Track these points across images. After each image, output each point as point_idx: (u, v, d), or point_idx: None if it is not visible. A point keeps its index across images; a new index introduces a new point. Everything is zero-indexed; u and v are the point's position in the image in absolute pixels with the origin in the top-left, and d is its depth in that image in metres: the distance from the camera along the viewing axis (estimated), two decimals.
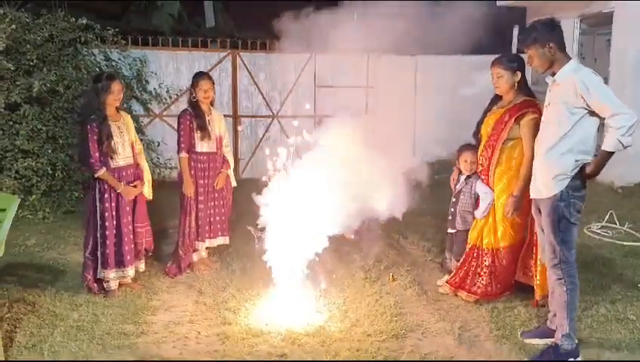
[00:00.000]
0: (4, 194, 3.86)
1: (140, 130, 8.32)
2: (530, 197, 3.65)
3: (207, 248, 5.08)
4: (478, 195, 4.32)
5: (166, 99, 8.71)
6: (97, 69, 7.92)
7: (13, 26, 6.90)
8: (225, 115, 8.89)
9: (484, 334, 3.76)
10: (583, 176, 3.32)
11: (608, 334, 3.72)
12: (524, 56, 3.68)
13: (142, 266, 4.62)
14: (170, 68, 8.76)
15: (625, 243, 5.64)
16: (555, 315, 3.54)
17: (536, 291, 4.05)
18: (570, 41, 8.64)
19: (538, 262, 3.98)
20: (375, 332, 3.72)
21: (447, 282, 4.42)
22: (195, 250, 4.99)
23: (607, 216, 6.20)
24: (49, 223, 6.42)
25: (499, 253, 4.20)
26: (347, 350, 3.47)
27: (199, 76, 4.95)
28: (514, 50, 9.99)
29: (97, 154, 4.24)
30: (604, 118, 3.26)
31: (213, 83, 4.96)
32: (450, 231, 4.67)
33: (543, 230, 3.57)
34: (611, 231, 6.02)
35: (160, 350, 3.51)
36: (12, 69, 6.80)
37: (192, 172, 4.85)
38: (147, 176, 4.63)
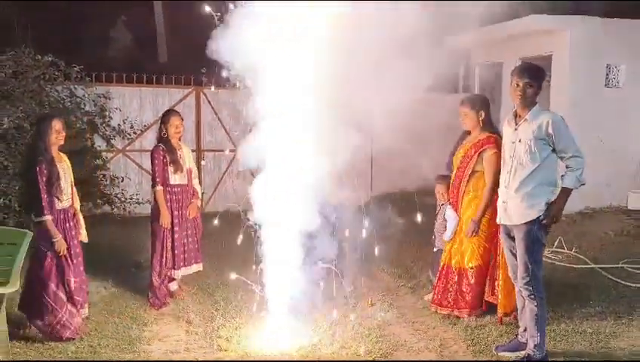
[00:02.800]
0: (15, 229, 3.91)
1: (103, 166, 8.39)
2: (500, 223, 4.05)
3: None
4: (446, 218, 4.78)
5: (130, 135, 8.79)
6: (61, 105, 7.99)
7: None
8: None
9: (461, 350, 4.10)
10: (550, 212, 3.74)
11: (570, 346, 4.14)
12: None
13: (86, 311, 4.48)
14: (135, 104, 8.89)
15: (575, 266, 6.19)
16: (525, 330, 3.93)
17: (499, 309, 4.50)
18: None
19: (501, 283, 4.44)
20: (364, 352, 4.00)
21: (431, 303, 4.82)
22: (172, 279, 5.18)
23: (557, 242, 6.76)
24: None
25: (466, 272, 4.62)
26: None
27: (170, 113, 5.26)
28: (460, 89, 10.71)
29: (46, 197, 4.18)
30: (561, 157, 3.74)
31: (182, 119, 5.28)
32: (434, 249, 5.19)
33: (512, 252, 3.97)
34: (561, 255, 6.57)
35: None
36: None
37: (168, 204, 5.06)
38: (81, 221, 4.62)
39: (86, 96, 8.30)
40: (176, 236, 5.14)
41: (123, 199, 8.22)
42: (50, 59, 7.73)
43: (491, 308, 4.64)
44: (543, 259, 6.26)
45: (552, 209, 3.76)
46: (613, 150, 8.37)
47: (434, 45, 10.74)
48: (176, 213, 5.14)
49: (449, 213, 4.80)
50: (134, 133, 8.80)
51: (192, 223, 5.30)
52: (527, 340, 3.90)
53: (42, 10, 11.86)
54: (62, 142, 4.40)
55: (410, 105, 9.30)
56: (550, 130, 3.69)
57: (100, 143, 8.52)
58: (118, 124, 8.66)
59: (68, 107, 8.03)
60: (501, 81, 9.56)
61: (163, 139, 5.15)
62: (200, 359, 3.92)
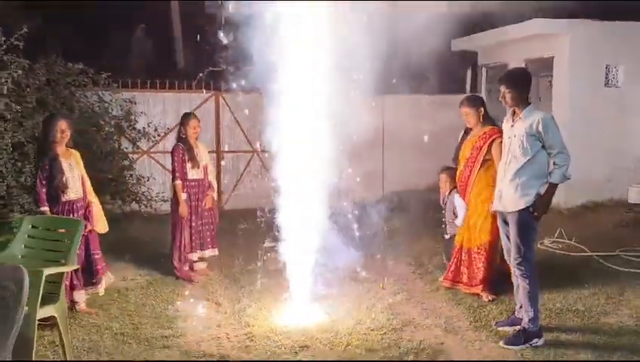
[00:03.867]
0: (71, 217, 4.43)
1: (129, 167, 8.93)
2: (496, 210, 4.49)
3: (200, 258, 5.95)
4: (455, 207, 5.28)
5: (154, 137, 9.32)
6: (90, 110, 8.54)
7: (20, 72, 7.47)
8: (209, 151, 9.65)
9: (464, 325, 4.56)
10: (538, 203, 4.16)
11: (563, 322, 4.58)
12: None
13: (102, 290, 5.03)
14: (158, 108, 9.41)
15: (573, 253, 6.62)
16: (520, 307, 4.37)
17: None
18: None
19: None
20: (377, 327, 4.47)
21: (443, 278, 5.38)
22: (191, 262, 5.88)
23: (557, 233, 7.18)
24: None
25: (478, 249, 5.15)
26: (357, 340, 4.21)
27: (188, 116, 5.97)
28: (468, 90, 11.15)
29: (45, 191, 4.62)
30: (549, 153, 4.19)
31: (199, 121, 5.98)
32: (446, 237, 5.75)
33: (507, 236, 4.42)
34: (561, 244, 7.00)
35: (201, 347, 4.15)
36: (19, 110, 7.32)
37: (186, 196, 5.70)
38: (99, 212, 5.12)
39: (113, 101, 8.83)
40: (193, 224, 5.82)
41: (149, 197, 8.74)
42: (80, 67, 8.29)
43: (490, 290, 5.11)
44: (544, 247, 6.80)
45: (541, 201, 4.18)
46: (613, 147, 8.78)
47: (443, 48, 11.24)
48: (193, 203, 5.83)
49: (458, 201, 5.33)
50: (158, 135, 9.32)
51: (208, 213, 5.99)
52: (523, 315, 4.35)
53: (68, 21, 12.46)
54: (67, 140, 4.85)
55: (421, 105, 9.80)
56: (540, 128, 4.12)
57: (126, 145, 9.05)
58: (143, 127, 9.17)
59: (97, 112, 8.58)
60: None
61: (182, 139, 5.85)
62: (230, 334, 4.40)
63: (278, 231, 5.14)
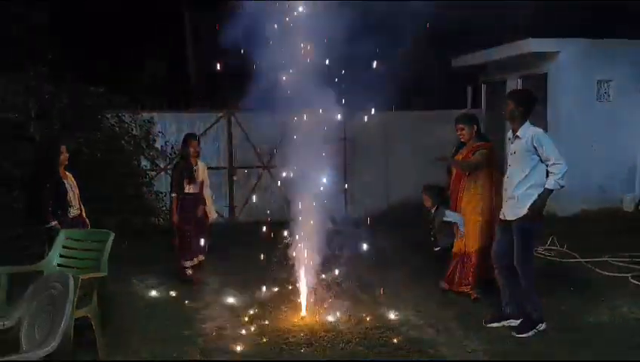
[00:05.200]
0: (101, 230, 4.96)
1: (148, 183, 9.49)
2: (503, 218, 4.90)
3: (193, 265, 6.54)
4: (450, 220, 5.75)
5: (171, 155, 9.88)
6: (111, 131, 9.14)
7: (47, 96, 8.09)
8: (221, 167, 10.21)
9: (453, 325, 5.01)
10: (532, 206, 4.65)
11: (546, 319, 5.01)
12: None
13: None
14: (174, 127, 9.96)
15: (564, 260, 7.05)
16: (506, 304, 4.86)
17: None
18: None
19: None
20: (375, 326, 4.95)
21: (445, 281, 5.85)
22: (190, 266, 6.48)
23: (550, 241, 7.61)
24: None
25: (470, 256, 5.61)
26: (357, 338, 4.69)
27: (190, 137, 6.65)
28: (469, 104, 11.64)
29: (51, 209, 5.13)
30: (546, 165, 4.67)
31: (199, 142, 6.66)
32: (435, 249, 6.33)
33: (503, 243, 4.86)
34: (553, 251, 7.42)
35: (218, 344, 4.65)
36: (47, 131, 7.93)
37: (180, 207, 6.39)
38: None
39: (132, 122, 9.41)
40: (188, 233, 6.46)
41: (167, 212, 9.28)
42: (101, 90, 8.90)
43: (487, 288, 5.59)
44: (537, 254, 7.22)
45: (533, 204, 4.66)
46: (605, 157, 9.20)
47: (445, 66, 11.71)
48: (189, 214, 6.46)
49: (453, 216, 5.78)
50: (174, 153, 9.88)
51: (200, 223, 6.55)
52: (510, 311, 4.84)
53: (86, 44, 13.13)
54: (66, 163, 5.42)
55: (425, 120, 10.28)
56: (535, 143, 4.64)
57: (145, 163, 9.63)
58: (161, 146, 9.76)
59: (118, 132, 9.17)
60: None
61: (184, 157, 6.52)
62: (242, 333, 4.90)
63: (286, 239, 5.66)
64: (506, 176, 4.91)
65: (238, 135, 10.33)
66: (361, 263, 6.85)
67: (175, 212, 6.41)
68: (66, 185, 5.35)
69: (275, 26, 5.39)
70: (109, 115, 9.17)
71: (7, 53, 8.88)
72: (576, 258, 7.07)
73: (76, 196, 5.48)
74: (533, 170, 4.68)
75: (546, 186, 4.66)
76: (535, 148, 4.64)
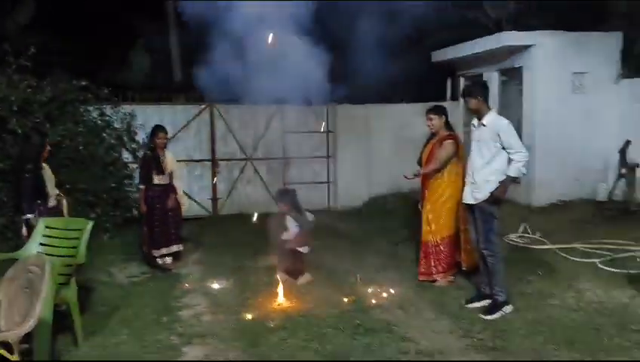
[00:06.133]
0: (81, 218, 5.07)
1: (130, 176, 9.56)
2: (465, 203, 5.17)
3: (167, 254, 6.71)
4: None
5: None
6: (93, 123, 9.19)
7: (29, 90, 8.14)
8: (204, 160, 10.30)
9: (426, 307, 5.20)
10: (495, 191, 4.91)
11: (512, 303, 5.19)
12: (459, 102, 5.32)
13: None
14: (156, 120, 9.96)
15: (535, 246, 7.25)
16: (486, 284, 5.11)
17: (463, 264, 5.81)
18: (492, 89, 10.45)
19: (463, 246, 5.77)
20: (348, 310, 5.13)
21: (419, 274, 5.98)
22: (160, 256, 6.64)
23: (522, 228, 7.82)
24: None
25: (440, 243, 5.80)
26: (332, 319, 4.88)
27: (156, 128, 6.79)
28: (448, 97, 11.81)
29: (30, 200, 5.26)
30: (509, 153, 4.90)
31: (167, 133, 6.80)
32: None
33: (473, 224, 5.11)
34: (526, 239, 7.63)
35: (195, 329, 4.78)
36: (29, 125, 7.97)
37: (149, 197, 6.55)
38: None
39: (114, 114, 9.47)
40: (156, 223, 6.60)
41: None
42: (83, 83, 8.95)
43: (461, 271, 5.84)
44: (509, 241, 7.42)
45: (497, 189, 4.91)
46: (581, 148, 9.39)
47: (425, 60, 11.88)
48: (158, 205, 6.60)
49: (291, 222, 6.09)
50: None
51: (172, 213, 6.69)
52: (489, 291, 5.05)
53: (71, 37, 13.12)
54: (46, 156, 5.60)
55: (405, 113, 10.44)
56: (499, 132, 4.89)
57: (127, 156, 9.69)
58: (142, 138, 9.81)
59: (99, 125, 9.23)
60: None
61: (151, 148, 6.66)
62: (221, 319, 5.03)
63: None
64: (468, 162, 5.17)
65: (221, 127, 10.41)
66: (340, 250, 7.04)
67: (143, 203, 6.57)
68: (44, 177, 5.45)
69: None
70: (90, 108, 9.22)
71: None
72: (547, 244, 7.27)
73: (53, 187, 5.57)
74: (494, 157, 4.93)
75: (508, 173, 4.91)
76: (499, 136, 4.86)
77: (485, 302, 5.11)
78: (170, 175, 6.73)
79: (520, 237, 7.70)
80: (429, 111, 5.93)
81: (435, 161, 5.71)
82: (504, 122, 4.97)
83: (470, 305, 5.16)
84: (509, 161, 4.90)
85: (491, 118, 4.99)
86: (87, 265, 6.63)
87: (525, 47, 9.38)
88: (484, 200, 4.95)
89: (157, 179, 6.59)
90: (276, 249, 6.13)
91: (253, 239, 8.08)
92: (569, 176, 9.39)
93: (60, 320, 4.50)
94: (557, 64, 9.34)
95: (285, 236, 6.04)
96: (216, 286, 6.00)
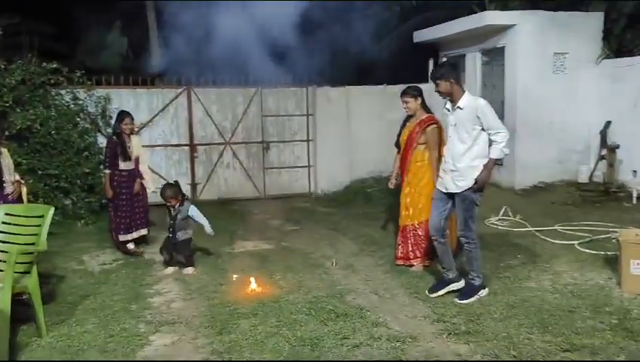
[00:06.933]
0: (42, 205, 4.89)
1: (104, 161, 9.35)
2: (444, 191, 4.86)
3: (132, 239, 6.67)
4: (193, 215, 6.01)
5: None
6: (65, 107, 8.95)
7: None
8: (182, 144, 10.12)
9: (400, 293, 5.10)
10: (478, 178, 4.69)
11: (489, 286, 5.12)
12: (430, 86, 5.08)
13: None
14: (132, 104, 9.77)
15: (515, 229, 7.19)
16: (448, 270, 4.96)
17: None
18: (474, 70, 10.34)
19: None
20: (322, 295, 5.01)
21: (396, 258, 5.89)
22: (127, 241, 6.61)
23: (502, 211, 7.76)
24: None
25: (418, 228, 5.70)
26: (305, 305, 4.78)
27: (122, 113, 6.78)
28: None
29: None
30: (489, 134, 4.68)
31: (133, 118, 6.78)
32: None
33: (441, 213, 4.91)
34: (506, 221, 7.57)
35: (165, 317, 4.66)
36: None
37: (115, 183, 6.53)
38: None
39: (87, 98, 9.23)
40: (124, 208, 6.59)
41: None
42: (54, 66, 8.70)
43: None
44: (489, 224, 7.35)
45: (480, 176, 4.69)
46: (562, 130, 9.34)
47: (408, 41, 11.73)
48: (124, 190, 6.60)
49: (195, 210, 6.04)
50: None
51: (137, 197, 6.69)
52: (452, 276, 4.93)
53: (44, 19, 12.77)
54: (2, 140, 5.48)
55: (386, 95, 10.32)
56: (478, 113, 4.64)
57: (102, 140, 9.45)
58: None
59: (72, 109, 9.00)
60: (464, 71, 10.52)
61: (116, 134, 6.61)
62: (196, 306, 4.91)
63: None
64: (445, 148, 4.92)
65: (199, 111, 10.21)
66: (318, 235, 6.93)
67: (109, 187, 6.52)
68: (1, 163, 5.26)
69: None
70: (63, 92, 8.99)
71: None
72: (527, 227, 7.21)
73: (11, 172, 5.39)
74: (475, 141, 4.69)
75: (491, 156, 4.70)
76: (478, 117, 4.65)
77: (448, 288, 4.91)
78: (137, 160, 6.67)
79: (500, 220, 7.64)
80: (404, 93, 5.77)
81: (433, 151, 5.56)
82: (482, 102, 4.73)
83: (434, 294, 4.92)
84: (489, 142, 4.70)
85: (467, 99, 4.72)
86: (59, 253, 6.59)
87: (507, 27, 9.26)
88: (468, 188, 4.70)
89: (123, 165, 6.56)
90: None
91: (231, 225, 7.99)
92: (551, 157, 9.34)
93: (26, 310, 4.37)
94: (538, 44, 9.24)
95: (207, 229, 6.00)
96: (189, 272, 5.86)
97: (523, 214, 7.78)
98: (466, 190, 4.72)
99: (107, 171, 6.57)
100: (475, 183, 4.69)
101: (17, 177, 5.51)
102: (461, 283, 4.93)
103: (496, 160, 4.79)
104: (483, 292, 4.87)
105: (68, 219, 8.27)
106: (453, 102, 4.79)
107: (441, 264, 5.10)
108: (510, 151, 9.20)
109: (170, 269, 5.90)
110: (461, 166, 4.72)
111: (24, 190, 5.54)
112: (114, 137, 6.62)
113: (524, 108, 9.22)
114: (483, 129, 4.69)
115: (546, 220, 7.48)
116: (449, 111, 4.87)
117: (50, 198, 8.15)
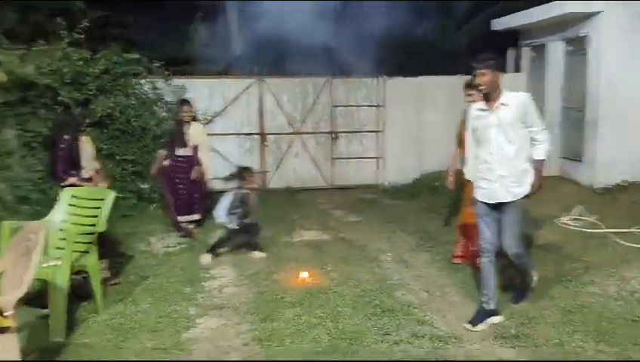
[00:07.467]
0: (104, 189, 5.17)
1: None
2: (493, 202, 4.26)
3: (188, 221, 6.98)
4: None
5: (201, 121, 10.03)
6: (144, 96, 9.38)
7: (81, 62, 8.39)
8: (253, 133, 10.30)
9: (452, 291, 4.96)
10: (537, 182, 4.22)
11: (549, 290, 4.85)
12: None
13: None
14: (206, 94, 10.08)
15: (588, 230, 6.77)
16: (490, 299, 4.32)
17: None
18: (557, 60, 9.80)
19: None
20: (372, 289, 4.97)
21: (453, 256, 5.76)
22: (183, 222, 6.92)
23: (577, 210, 7.32)
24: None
25: (469, 228, 5.44)
26: (352, 298, 4.78)
27: (183, 102, 7.15)
28: (512, 69, 11.21)
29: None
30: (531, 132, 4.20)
31: (191, 106, 7.07)
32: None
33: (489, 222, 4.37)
34: (580, 222, 7.13)
35: (210, 301, 4.80)
36: (80, 99, 8.25)
37: (172, 168, 6.89)
38: None
39: (165, 88, 9.62)
40: (180, 192, 6.92)
41: None
42: (136, 56, 9.13)
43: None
44: (562, 224, 6.96)
45: (534, 183, 4.20)
46: None
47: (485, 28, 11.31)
48: (181, 175, 6.89)
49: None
50: (205, 119, 10.04)
51: (196, 184, 6.96)
52: (495, 307, 4.31)
53: (129, 11, 13.42)
54: (84, 127, 6.02)
55: (460, 86, 10.02)
56: (526, 110, 4.11)
57: None
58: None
59: (151, 98, 9.42)
60: (546, 62, 9.99)
61: (177, 122, 6.99)
62: (243, 292, 5.03)
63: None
64: (489, 153, 4.22)
65: (270, 101, 10.36)
66: (377, 228, 6.86)
67: (156, 168, 7.00)
68: (80, 149, 5.55)
69: None
70: (142, 81, 9.41)
71: (45, 21, 9.23)
72: (602, 228, 6.77)
73: (89, 159, 5.66)
74: (523, 141, 4.17)
75: (538, 157, 4.22)
76: (526, 114, 4.12)
77: (491, 321, 4.25)
78: (195, 148, 6.90)
79: (573, 220, 7.21)
80: (467, 86, 5.32)
81: None
82: (527, 97, 4.16)
83: (475, 329, 4.18)
84: (531, 141, 4.23)
85: (511, 95, 4.12)
86: (131, 234, 6.94)
87: (590, 14, 8.67)
88: (525, 195, 4.18)
89: (180, 151, 6.86)
90: None
91: (294, 213, 8.08)
92: (637, 155, 8.68)
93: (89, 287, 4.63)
94: (625, 33, 8.58)
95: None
96: (246, 260, 5.99)
97: (599, 214, 7.30)
98: (522, 197, 4.21)
99: (161, 151, 7.02)
100: (529, 193, 4.22)
101: (97, 166, 5.75)
102: (501, 317, 4.33)
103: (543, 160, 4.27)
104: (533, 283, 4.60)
105: (143, 202, 8.68)
106: (490, 100, 4.17)
107: (481, 290, 4.41)
108: (591, 147, 8.77)
109: (209, 257, 5.95)
110: (514, 170, 4.16)
111: (100, 177, 5.72)
112: (175, 124, 7.02)
113: (608, 101, 8.62)
114: (525, 126, 4.18)
115: (624, 222, 6.97)
116: (483, 110, 4.23)
117: (126, 182, 8.59)
